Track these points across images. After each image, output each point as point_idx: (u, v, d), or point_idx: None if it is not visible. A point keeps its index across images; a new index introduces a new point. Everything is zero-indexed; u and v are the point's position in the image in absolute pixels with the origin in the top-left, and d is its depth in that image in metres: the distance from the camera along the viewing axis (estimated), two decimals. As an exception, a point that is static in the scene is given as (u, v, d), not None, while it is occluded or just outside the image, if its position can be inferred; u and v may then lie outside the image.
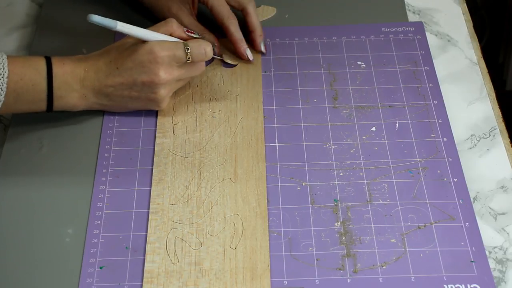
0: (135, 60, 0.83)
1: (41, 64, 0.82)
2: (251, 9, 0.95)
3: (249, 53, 0.93)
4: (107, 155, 0.85)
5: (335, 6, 1.02)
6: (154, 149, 0.85)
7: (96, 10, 1.02)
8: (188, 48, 0.84)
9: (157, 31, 0.85)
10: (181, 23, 0.91)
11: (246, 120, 0.88)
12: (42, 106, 0.83)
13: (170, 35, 0.86)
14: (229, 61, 0.94)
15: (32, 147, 0.86)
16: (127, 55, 0.84)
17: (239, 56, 0.94)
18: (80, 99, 0.84)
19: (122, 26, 0.82)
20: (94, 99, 0.85)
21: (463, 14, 1.02)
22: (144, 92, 0.85)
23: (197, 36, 0.88)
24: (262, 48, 0.94)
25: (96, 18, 0.81)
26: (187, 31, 0.88)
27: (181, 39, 0.86)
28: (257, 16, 0.95)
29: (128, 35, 0.84)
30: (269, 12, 1.02)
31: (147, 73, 0.83)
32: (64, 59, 0.84)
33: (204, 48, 0.85)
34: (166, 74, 0.83)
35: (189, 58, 0.84)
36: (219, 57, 0.94)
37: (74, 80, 0.83)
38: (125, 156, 0.85)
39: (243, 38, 0.93)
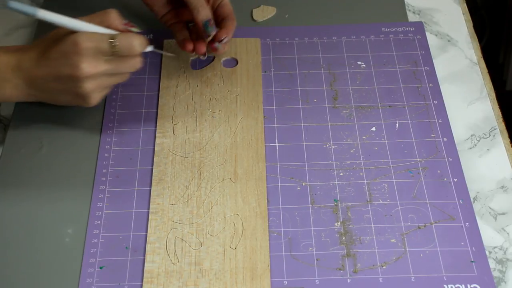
0: (60, 50, 0.78)
1: None
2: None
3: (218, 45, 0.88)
4: (107, 155, 0.85)
5: (335, 6, 1.02)
6: (154, 149, 0.85)
7: (96, 10, 1.02)
8: (114, 40, 0.78)
9: (92, 22, 0.80)
10: (154, 12, 0.89)
11: (246, 120, 0.88)
12: None
13: (108, 27, 0.80)
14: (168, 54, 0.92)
15: (32, 147, 0.86)
16: (54, 45, 0.79)
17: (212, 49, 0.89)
18: (14, 90, 0.80)
19: (44, 14, 0.77)
20: (28, 90, 0.81)
21: (463, 14, 1.02)
22: (69, 86, 0.79)
23: (136, 30, 0.82)
24: (218, 45, 0.89)
25: (14, 5, 0.77)
26: (127, 24, 0.82)
27: (118, 31, 0.81)
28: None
29: (54, 23, 0.78)
30: (269, 12, 1.02)
31: (70, 65, 0.78)
32: None
33: (132, 41, 0.78)
34: (89, 67, 0.77)
35: (115, 51, 0.78)
36: (159, 51, 0.88)
37: (7, 70, 0.79)
38: (125, 156, 0.85)
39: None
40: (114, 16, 0.81)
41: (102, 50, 0.78)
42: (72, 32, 0.79)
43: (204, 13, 0.87)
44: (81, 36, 0.78)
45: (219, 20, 0.90)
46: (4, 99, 0.82)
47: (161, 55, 0.95)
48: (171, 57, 0.94)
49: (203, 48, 0.90)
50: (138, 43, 0.79)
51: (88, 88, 0.79)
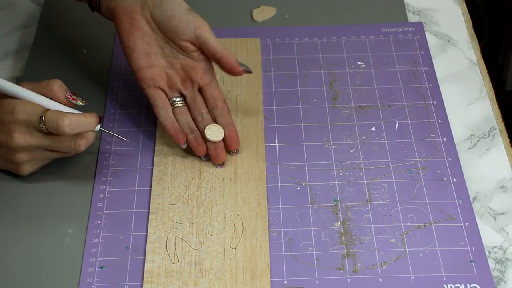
0: None
1: None
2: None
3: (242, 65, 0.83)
4: (107, 154, 0.85)
5: (335, 6, 1.02)
6: (154, 149, 0.85)
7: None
8: (42, 116, 0.75)
9: (35, 90, 0.77)
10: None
11: (246, 120, 0.88)
12: None
13: (51, 98, 0.78)
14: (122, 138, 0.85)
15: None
16: None
17: (234, 72, 0.83)
18: None
19: None
20: None
21: (462, 14, 1.02)
22: (3, 152, 0.78)
23: (81, 103, 0.79)
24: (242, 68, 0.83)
25: None
26: (70, 95, 0.78)
27: (61, 103, 0.78)
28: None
29: None
30: (269, 12, 1.02)
31: (5, 133, 0.76)
32: None
33: (59, 120, 0.74)
34: (21, 139, 0.76)
35: (42, 127, 0.75)
36: (109, 132, 0.82)
37: None
38: (125, 156, 0.85)
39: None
40: (57, 87, 0.78)
41: (33, 124, 0.75)
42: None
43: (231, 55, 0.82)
44: (17, 104, 0.75)
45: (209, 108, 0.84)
46: None
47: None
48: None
49: (204, 148, 0.83)
50: (67, 124, 0.74)
51: (20, 158, 0.78)
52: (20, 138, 0.76)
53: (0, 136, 0.77)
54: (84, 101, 0.79)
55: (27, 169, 0.80)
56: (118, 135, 0.83)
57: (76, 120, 0.75)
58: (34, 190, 0.82)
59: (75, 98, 0.78)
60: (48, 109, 0.75)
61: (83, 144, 0.77)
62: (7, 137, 0.76)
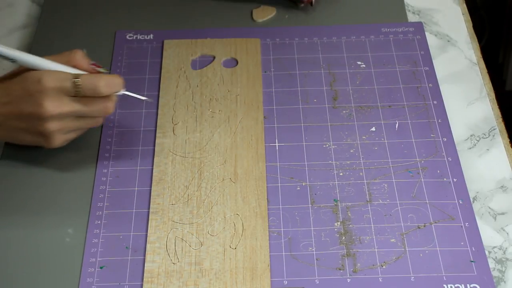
0: (23, 88, 0.76)
1: None
2: None
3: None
4: (107, 155, 0.85)
5: (335, 6, 1.02)
6: (154, 149, 0.85)
7: (96, 10, 1.02)
8: (77, 80, 0.75)
9: (57, 61, 0.78)
10: None
11: (246, 120, 0.88)
12: None
13: (74, 67, 0.79)
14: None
15: (32, 147, 0.86)
16: (16, 82, 0.77)
17: None
18: None
19: (3, 49, 0.76)
20: None
21: (462, 14, 1.02)
22: (31, 125, 0.77)
23: (104, 71, 0.80)
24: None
25: None
26: (93, 64, 0.80)
27: (85, 71, 0.79)
28: None
29: (13, 62, 0.77)
30: (269, 12, 1.02)
31: (33, 103, 0.75)
32: None
33: (97, 82, 0.76)
34: (52, 107, 0.75)
35: (78, 91, 0.76)
36: (132, 95, 0.83)
37: None
38: (125, 156, 0.85)
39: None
40: (80, 56, 0.79)
41: (65, 90, 0.76)
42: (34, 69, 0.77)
43: None
44: (45, 75, 0.75)
45: None
46: None
47: (161, 55, 0.95)
48: (173, 59, 0.94)
49: None
50: (103, 84, 0.76)
51: (51, 127, 0.77)
52: (51, 105, 0.75)
53: (28, 107, 0.76)
54: (106, 69, 0.81)
55: (57, 140, 0.79)
56: (139, 96, 0.83)
57: (109, 80, 0.76)
58: (34, 190, 0.82)
59: (99, 65, 0.80)
60: (79, 74, 0.76)
61: (112, 107, 0.78)
62: (37, 107, 0.75)
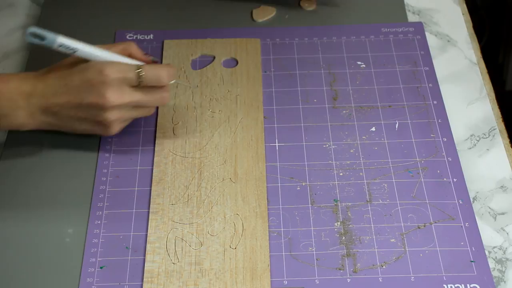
0: (84, 78, 0.78)
1: None
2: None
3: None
4: (107, 155, 0.85)
5: (335, 6, 1.02)
6: (154, 149, 0.85)
7: (96, 10, 1.02)
8: (141, 70, 0.78)
9: (114, 51, 0.81)
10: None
11: (246, 120, 0.88)
12: None
13: (129, 56, 0.82)
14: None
15: (32, 147, 0.86)
16: (76, 72, 0.79)
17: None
18: (27, 118, 0.79)
19: (64, 42, 0.78)
20: (42, 118, 0.80)
21: (462, 14, 1.02)
22: (91, 114, 0.79)
23: (157, 60, 0.84)
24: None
25: (34, 30, 0.76)
26: (146, 53, 0.84)
27: (140, 61, 0.82)
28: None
29: (74, 52, 0.79)
30: (269, 12, 1.02)
31: (95, 94, 0.77)
32: (10, 76, 0.80)
33: (159, 72, 0.79)
34: (115, 97, 0.78)
35: (141, 81, 0.78)
36: (181, 82, 0.89)
37: (20, 97, 0.78)
38: (125, 156, 0.85)
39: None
40: (134, 47, 0.82)
41: (128, 80, 0.78)
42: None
43: None
44: (107, 66, 0.78)
45: None
46: (15, 126, 0.81)
47: (161, 55, 0.95)
48: (173, 59, 0.94)
49: None
50: (165, 74, 0.79)
51: (112, 117, 0.80)
52: (114, 96, 0.78)
53: (90, 97, 0.78)
54: (157, 58, 0.85)
55: (116, 128, 0.82)
56: (186, 83, 0.88)
57: (170, 70, 0.80)
58: (34, 190, 0.82)
59: (150, 55, 0.84)
60: (141, 65, 0.79)
61: (168, 96, 0.82)
62: (99, 98, 0.78)
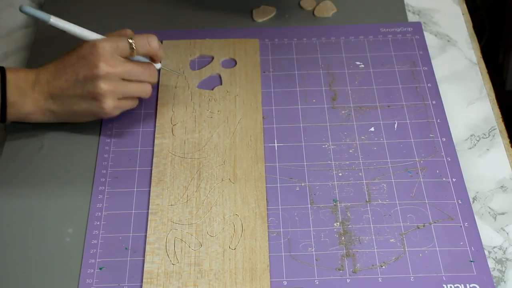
0: (78, 55, 0.82)
1: None
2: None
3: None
4: (106, 155, 0.85)
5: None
6: (153, 150, 0.85)
7: (96, 10, 1.02)
8: (131, 39, 0.83)
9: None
10: None
11: (245, 121, 0.88)
12: None
13: None
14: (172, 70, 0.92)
15: (32, 147, 0.86)
16: (72, 52, 0.83)
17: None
18: (32, 106, 0.83)
19: (56, 21, 0.83)
20: (45, 105, 0.83)
21: (462, 14, 1.02)
22: (86, 87, 0.82)
23: None
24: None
25: (29, 10, 0.80)
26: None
27: None
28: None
29: (67, 31, 0.84)
30: (269, 12, 1.02)
31: (88, 65, 0.81)
32: (19, 68, 0.85)
33: (148, 38, 0.84)
34: (107, 66, 0.81)
35: (133, 48, 0.83)
36: (168, 69, 0.90)
37: (27, 84, 0.82)
38: (124, 157, 0.85)
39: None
40: (130, 33, 0.85)
41: (120, 50, 0.82)
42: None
43: None
44: (100, 40, 0.82)
45: None
46: (23, 115, 0.84)
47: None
48: (172, 59, 0.94)
49: None
50: (154, 42, 0.84)
51: (104, 88, 0.82)
52: (105, 65, 0.81)
53: (84, 70, 0.81)
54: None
55: (110, 103, 0.83)
56: (174, 70, 0.91)
57: (156, 38, 0.85)
58: (34, 190, 0.82)
59: None
60: (132, 35, 0.84)
61: (156, 75, 0.86)
62: (93, 69, 0.81)
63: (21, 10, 0.81)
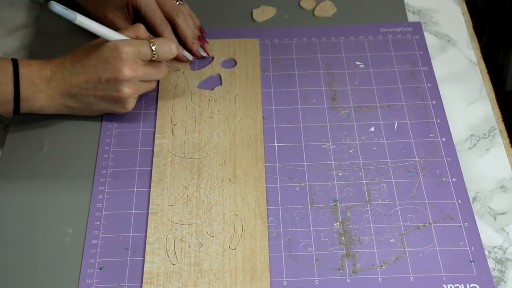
0: (99, 57, 0.82)
1: (8, 65, 0.82)
2: (178, 21, 0.94)
3: (187, 54, 0.94)
4: (106, 155, 0.85)
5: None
6: (153, 150, 0.85)
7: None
8: (153, 45, 0.84)
9: (126, 35, 0.85)
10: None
11: (245, 121, 0.88)
12: (9, 107, 0.83)
13: (136, 38, 0.86)
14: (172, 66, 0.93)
15: (32, 147, 0.86)
16: (91, 52, 0.83)
17: (178, 59, 0.93)
18: (47, 100, 0.83)
19: (82, 20, 0.83)
20: (61, 101, 0.84)
21: (462, 14, 1.02)
22: (108, 91, 0.83)
23: None
24: (202, 53, 0.95)
25: (57, 7, 0.81)
26: (152, 37, 0.88)
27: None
28: (187, 25, 0.94)
29: (90, 30, 0.84)
30: (269, 12, 1.02)
31: (111, 69, 0.82)
32: (31, 61, 0.84)
33: (170, 45, 0.85)
34: (130, 71, 0.82)
35: (154, 54, 0.84)
36: (166, 64, 0.90)
37: (41, 80, 0.83)
38: (124, 157, 0.85)
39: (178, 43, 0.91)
40: (142, 29, 0.87)
41: (142, 54, 0.83)
42: (107, 41, 0.83)
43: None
44: (120, 42, 0.82)
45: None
46: (36, 109, 0.84)
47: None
48: (171, 60, 0.94)
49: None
50: (174, 47, 0.86)
51: (128, 91, 0.84)
52: (130, 70, 0.82)
53: (107, 73, 0.82)
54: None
55: (132, 103, 0.86)
56: (171, 65, 0.91)
57: (175, 43, 0.87)
58: (34, 190, 0.82)
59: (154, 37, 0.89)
60: (153, 38, 0.85)
61: (165, 73, 0.88)
62: (116, 73, 0.82)
63: (49, 7, 0.81)
